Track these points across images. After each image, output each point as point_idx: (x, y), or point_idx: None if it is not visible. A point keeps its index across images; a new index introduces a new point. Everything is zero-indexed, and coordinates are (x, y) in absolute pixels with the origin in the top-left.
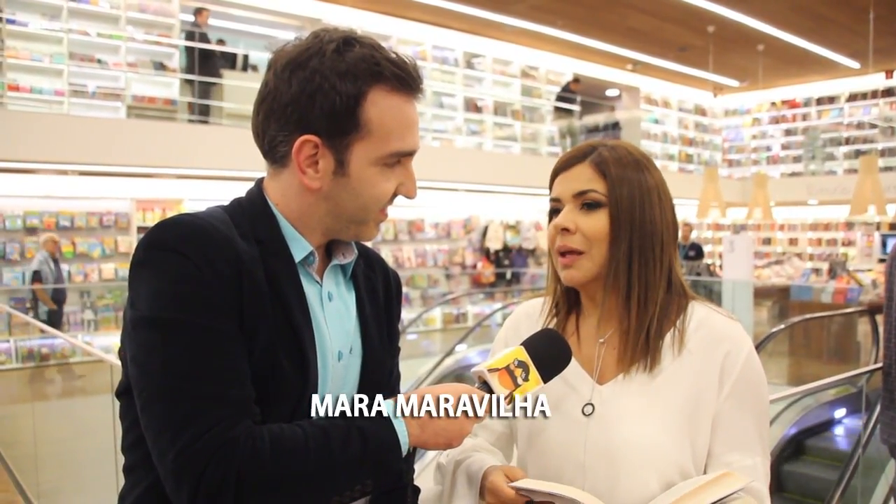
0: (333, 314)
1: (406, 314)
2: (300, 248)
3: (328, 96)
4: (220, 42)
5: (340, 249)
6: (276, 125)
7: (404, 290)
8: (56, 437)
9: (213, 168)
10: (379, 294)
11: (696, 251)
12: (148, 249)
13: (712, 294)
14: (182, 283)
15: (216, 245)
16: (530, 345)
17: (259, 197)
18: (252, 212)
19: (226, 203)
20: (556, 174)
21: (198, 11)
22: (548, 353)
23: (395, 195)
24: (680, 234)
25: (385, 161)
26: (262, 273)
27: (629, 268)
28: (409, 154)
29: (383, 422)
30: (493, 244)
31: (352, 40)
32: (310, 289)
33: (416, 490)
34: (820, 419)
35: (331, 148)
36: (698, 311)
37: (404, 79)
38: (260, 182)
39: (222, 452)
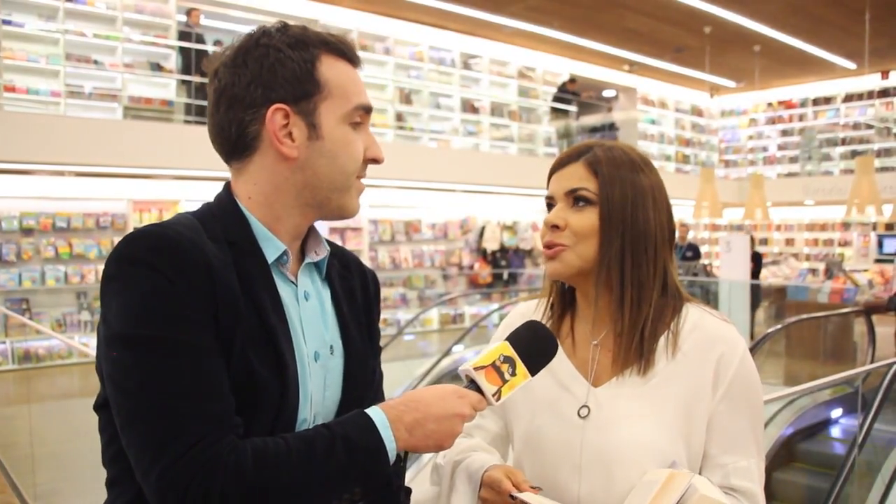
0: (310, 314)
1: (403, 315)
2: (273, 247)
3: (286, 65)
4: (218, 43)
5: (312, 247)
6: (241, 108)
7: (401, 291)
8: (53, 438)
9: (210, 169)
10: (356, 294)
11: (693, 251)
12: (118, 263)
13: (709, 294)
14: (154, 297)
15: (186, 254)
16: (515, 339)
17: (228, 199)
18: (222, 214)
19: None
20: (551, 173)
21: (189, 12)
22: (533, 346)
23: (366, 162)
24: (677, 234)
25: (351, 117)
26: (235, 276)
27: (621, 268)
28: (369, 110)
29: (369, 429)
30: (490, 245)
31: (287, 23)
32: (285, 289)
33: (408, 491)
34: (816, 419)
35: (300, 114)
36: (692, 314)
37: (346, 45)
38: (227, 185)
39: (205, 470)
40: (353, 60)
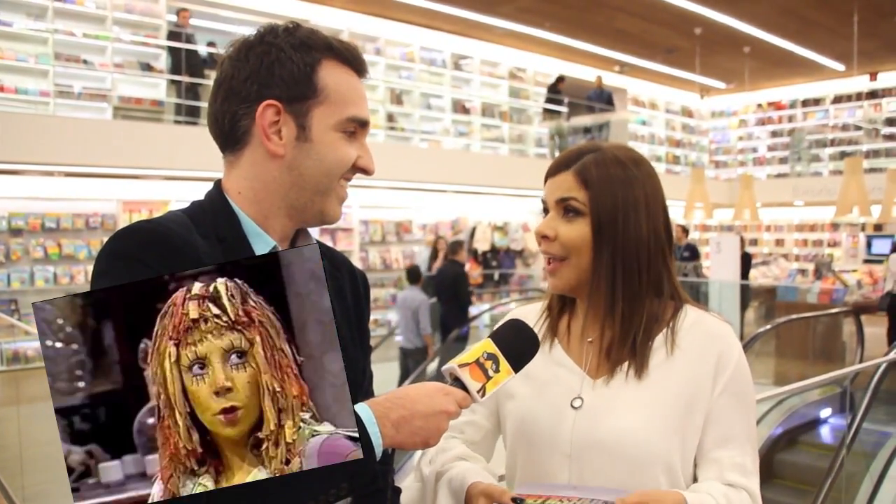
0: None
1: (394, 315)
2: (262, 243)
3: (285, 65)
4: (211, 45)
5: (301, 245)
6: (236, 101)
7: (392, 291)
8: (42, 439)
9: (200, 169)
10: (346, 294)
11: (690, 252)
12: (109, 259)
13: (699, 295)
14: None
15: (176, 249)
16: (497, 336)
17: (218, 195)
18: (212, 210)
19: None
20: (546, 178)
21: (178, 12)
22: (516, 343)
23: (354, 169)
24: (674, 235)
25: (344, 127)
26: None
27: (612, 279)
28: (365, 124)
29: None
30: (481, 245)
31: (298, 24)
32: None
33: (397, 490)
34: (805, 419)
35: (292, 114)
36: (691, 314)
37: (353, 54)
38: (217, 182)
39: None
40: (359, 70)
